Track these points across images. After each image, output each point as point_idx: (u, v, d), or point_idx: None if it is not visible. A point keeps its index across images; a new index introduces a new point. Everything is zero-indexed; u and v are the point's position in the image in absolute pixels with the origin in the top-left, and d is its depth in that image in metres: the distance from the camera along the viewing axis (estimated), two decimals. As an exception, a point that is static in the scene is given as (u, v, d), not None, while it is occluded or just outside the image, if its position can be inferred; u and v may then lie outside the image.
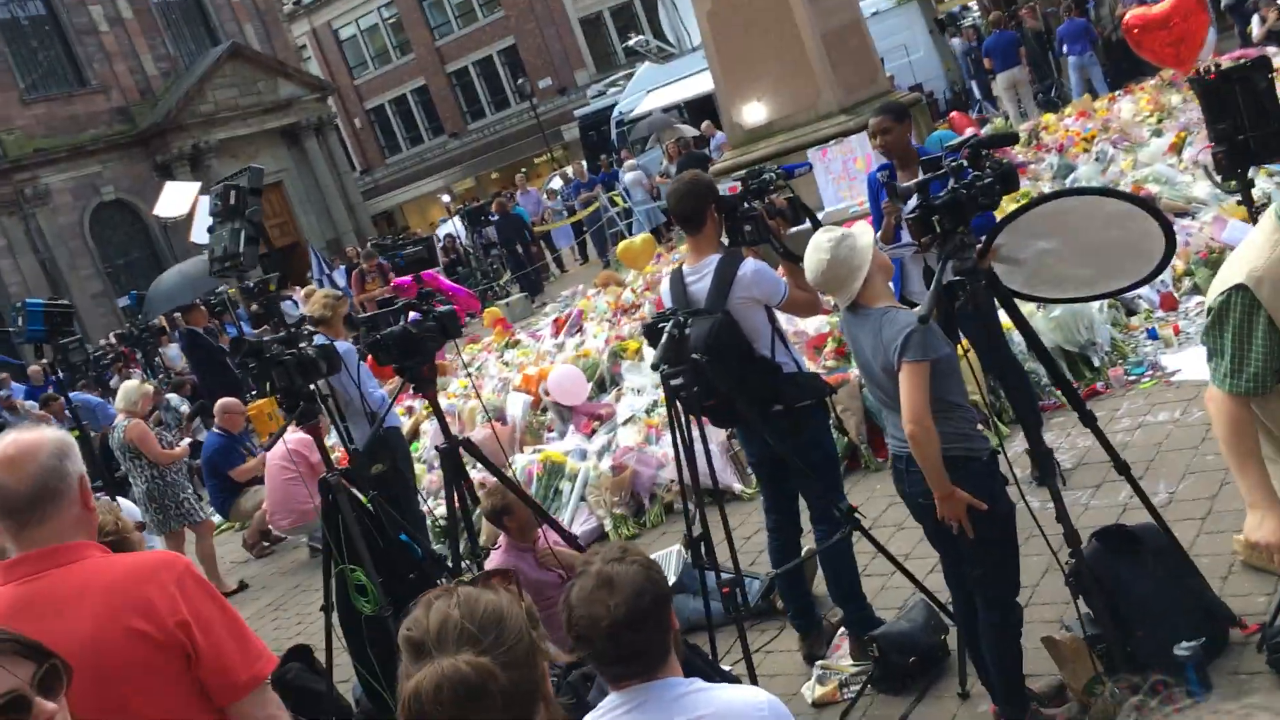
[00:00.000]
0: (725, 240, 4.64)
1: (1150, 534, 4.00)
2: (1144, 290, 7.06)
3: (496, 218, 19.01)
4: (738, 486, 6.91)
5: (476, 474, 5.67)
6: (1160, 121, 11.11)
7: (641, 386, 9.16)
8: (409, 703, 1.69)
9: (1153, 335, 6.71)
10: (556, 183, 24.18)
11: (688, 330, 3.99)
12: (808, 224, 4.81)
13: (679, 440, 4.15)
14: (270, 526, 8.65)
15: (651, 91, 22.60)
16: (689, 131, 20.13)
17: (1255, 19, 15.02)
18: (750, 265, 4.45)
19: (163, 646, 2.32)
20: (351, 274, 16.97)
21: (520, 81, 41.91)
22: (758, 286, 4.43)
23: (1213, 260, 6.84)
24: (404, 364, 4.02)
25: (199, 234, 16.33)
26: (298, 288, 21.17)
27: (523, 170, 42.98)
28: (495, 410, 9.27)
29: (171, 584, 2.40)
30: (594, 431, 8.35)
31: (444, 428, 4.24)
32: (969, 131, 9.97)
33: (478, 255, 20.09)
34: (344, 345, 6.98)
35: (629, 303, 12.59)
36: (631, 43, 28.72)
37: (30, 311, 6.08)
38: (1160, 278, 7.10)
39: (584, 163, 22.75)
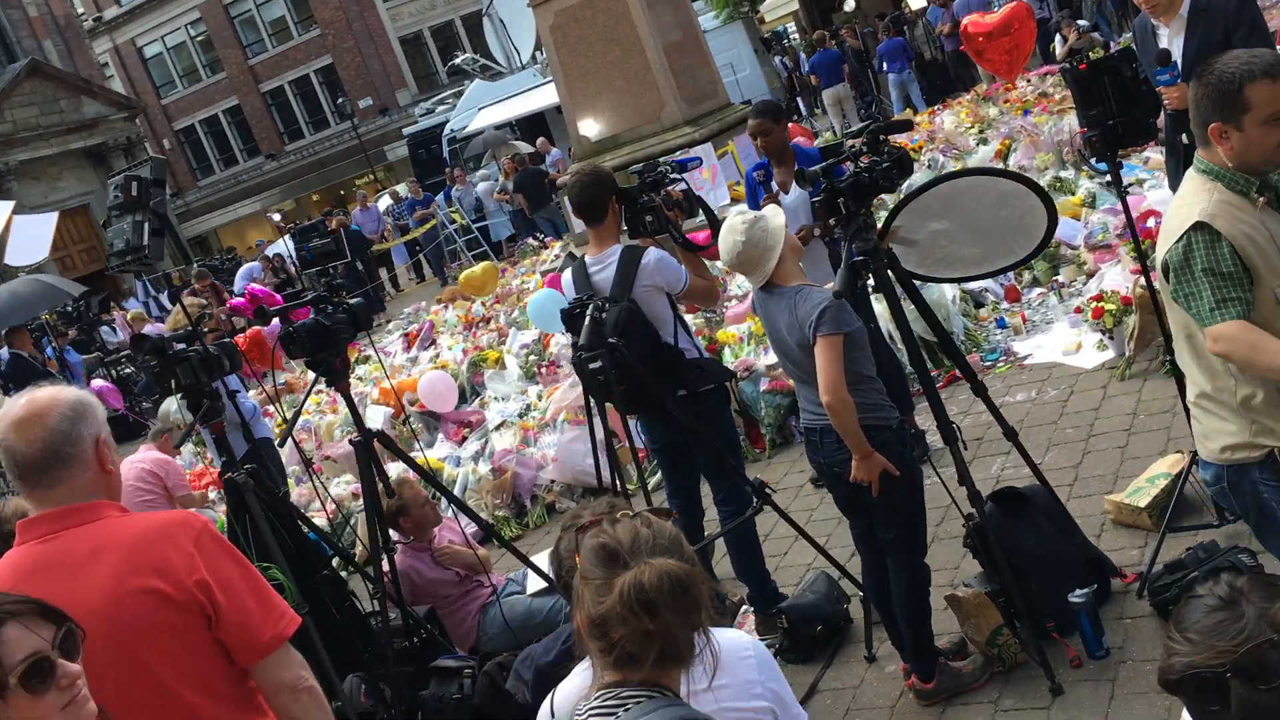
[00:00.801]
0: (625, 231, 4.75)
1: (1038, 495, 4.30)
2: (990, 284, 7.53)
3: (329, 237, 18.62)
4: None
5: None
6: (982, 131, 11.78)
7: (506, 394, 9.18)
8: (629, 593, 1.88)
9: (1001, 324, 7.15)
10: (385, 201, 23.83)
11: (604, 315, 4.07)
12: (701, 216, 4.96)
13: (594, 427, 4.22)
14: None
15: (484, 109, 22.57)
16: (524, 148, 20.21)
17: (1058, 38, 16.08)
18: (654, 254, 4.57)
19: (181, 607, 2.27)
20: (182, 294, 16.33)
21: (340, 101, 41.17)
22: (661, 274, 4.55)
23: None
24: (316, 356, 3.97)
25: (14, 255, 15.52)
26: (117, 313, 20.26)
27: (342, 192, 42.38)
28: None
29: (189, 543, 2.36)
30: (464, 439, 8.32)
31: (358, 421, 4.20)
32: (801, 140, 10.40)
33: (309, 275, 19.63)
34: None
35: (479, 315, 12.58)
36: (458, 60, 28.61)
37: None
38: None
39: (415, 181, 22.48)
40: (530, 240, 16.55)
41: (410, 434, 8.06)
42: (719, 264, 5.35)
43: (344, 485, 7.98)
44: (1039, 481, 4.36)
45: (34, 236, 14.99)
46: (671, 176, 4.79)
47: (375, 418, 9.50)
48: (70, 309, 15.68)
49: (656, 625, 1.89)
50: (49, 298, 14.87)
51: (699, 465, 4.85)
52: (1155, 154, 9.05)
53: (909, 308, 4.19)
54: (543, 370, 9.13)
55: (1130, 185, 4.17)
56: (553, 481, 7.19)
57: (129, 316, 16.09)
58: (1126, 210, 4.04)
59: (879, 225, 4.10)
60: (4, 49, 30.84)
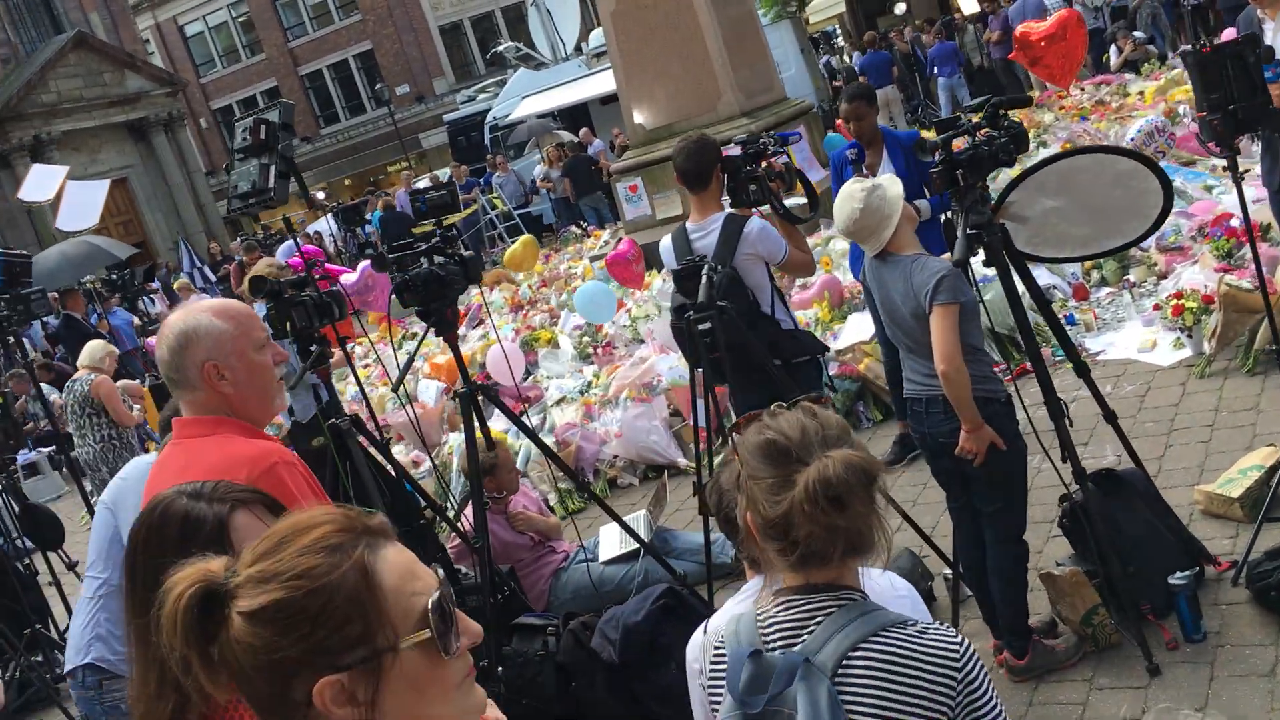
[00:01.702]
0: (727, 201, 4.77)
1: (1135, 478, 4.30)
2: (1057, 280, 7.52)
3: (381, 214, 18.71)
4: (682, 461, 7.03)
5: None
6: (1040, 135, 11.75)
7: (560, 373, 9.22)
8: (815, 488, 1.82)
9: (1071, 320, 7.12)
10: (424, 184, 23.92)
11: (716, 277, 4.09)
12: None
13: (697, 388, 4.25)
14: None
15: (527, 98, 22.62)
16: (568, 137, 20.25)
17: (1113, 49, 16.05)
18: (756, 223, 4.59)
19: None
20: (231, 266, 16.49)
21: (377, 87, 41.27)
22: (762, 244, 4.58)
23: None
24: (428, 306, 4.00)
25: (65, 220, 15.65)
26: (155, 283, 20.39)
27: (377, 178, 42.48)
28: (405, 398, 9.17)
29: (250, 477, 2.34)
30: (523, 413, 8.34)
31: (464, 373, 4.23)
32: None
33: (351, 254, 19.73)
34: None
35: (526, 298, 12.63)
36: (500, 49, 28.62)
37: None
38: (1072, 269, 7.60)
39: (458, 165, 22.54)
40: (573, 228, 16.59)
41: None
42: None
43: (399, 453, 8.02)
44: (1135, 464, 4.36)
45: (85, 202, 15.11)
46: (773, 149, 4.81)
47: (428, 392, 9.57)
48: (116, 277, 15.78)
49: (845, 519, 1.84)
50: (98, 259, 15.01)
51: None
52: (1221, 161, 9.03)
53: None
54: (598, 351, 9.17)
55: (1244, 172, 4.15)
56: (615, 457, 7.21)
57: (176, 285, 16.22)
58: (1241, 197, 4.03)
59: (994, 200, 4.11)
60: (51, 20, 31.07)
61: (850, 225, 3.88)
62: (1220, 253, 6.30)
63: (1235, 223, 6.52)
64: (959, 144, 3.90)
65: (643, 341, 8.79)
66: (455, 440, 7.63)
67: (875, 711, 1.80)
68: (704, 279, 3.97)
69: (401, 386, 4.70)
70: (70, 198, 15.05)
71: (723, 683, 1.95)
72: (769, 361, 4.30)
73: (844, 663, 1.82)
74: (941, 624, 1.89)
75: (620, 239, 12.82)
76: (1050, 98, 14.32)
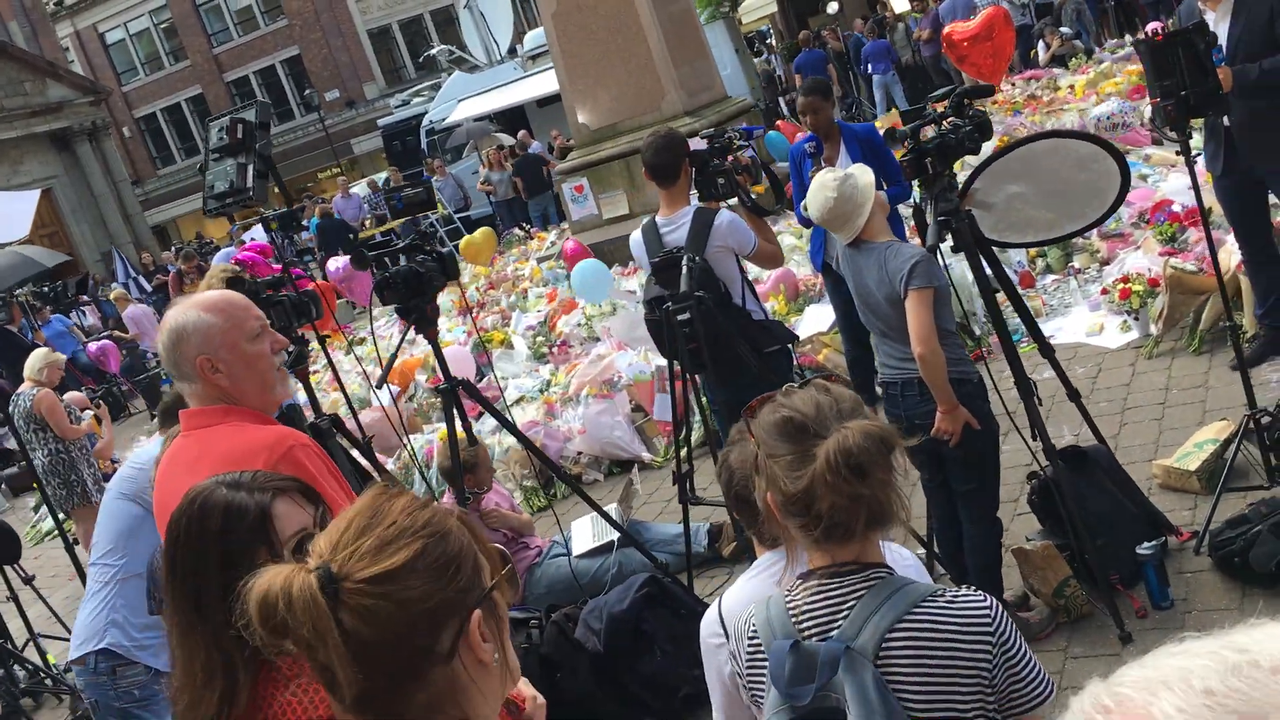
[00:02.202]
0: (695, 195, 4.85)
1: (1099, 454, 4.45)
2: (1007, 270, 7.70)
3: (319, 221, 18.53)
4: (646, 455, 7.09)
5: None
6: (977, 129, 12.00)
7: (515, 373, 9.24)
8: (837, 459, 1.85)
9: (1020, 307, 7.31)
10: (361, 189, 23.73)
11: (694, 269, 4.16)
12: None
13: (676, 380, 4.31)
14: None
15: (463, 101, 22.52)
16: (507, 140, 20.22)
17: (1040, 44, 16.42)
18: (726, 216, 4.67)
19: None
20: (170, 275, 16.23)
21: (306, 93, 40.79)
22: (732, 236, 4.66)
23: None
24: (408, 303, 4.02)
25: (-7, 230, 15.32)
26: (84, 296, 20.00)
27: (308, 185, 41.98)
28: (361, 401, 9.14)
29: (269, 464, 2.38)
30: (480, 414, 8.35)
31: (443, 368, 4.25)
32: (799, 136, 10.54)
33: (289, 260, 19.49)
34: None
35: (474, 301, 12.62)
36: (433, 52, 28.52)
37: None
38: (1018, 258, 7.78)
39: (397, 170, 22.39)
40: (516, 230, 16.58)
41: (430, 407, 8.09)
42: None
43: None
44: (1098, 440, 4.51)
45: (15, 213, 14.82)
46: (739, 143, 4.89)
47: (384, 395, 9.54)
48: (47, 289, 15.48)
49: (867, 487, 1.87)
50: (25, 269, 14.70)
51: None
52: (1157, 150, 9.31)
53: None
54: (554, 350, 9.21)
55: (1197, 155, 4.32)
56: (580, 453, 7.25)
57: (112, 295, 15.93)
58: (1194, 176, 4.18)
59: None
60: (-32, 29, 30.32)
61: (824, 214, 3.97)
62: (1164, 237, 6.52)
63: (1177, 208, 6.73)
64: (926, 133, 4.01)
65: (598, 339, 8.84)
66: (419, 441, 7.62)
67: (920, 687, 1.84)
68: (684, 269, 4.04)
69: (385, 384, 4.70)
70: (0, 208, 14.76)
71: (764, 674, 1.97)
72: (746, 350, 4.38)
73: (884, 645, 1.85)
74: (966, 587, 1.95)
75: (566, 239, 12.88)
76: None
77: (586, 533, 5.75)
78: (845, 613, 1.90)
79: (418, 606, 1.30)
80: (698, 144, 4.96)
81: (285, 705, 1.80)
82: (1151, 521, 4.36)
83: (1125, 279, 6.35)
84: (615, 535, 5.64)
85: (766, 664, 1.95)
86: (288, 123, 43.72)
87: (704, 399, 4.91)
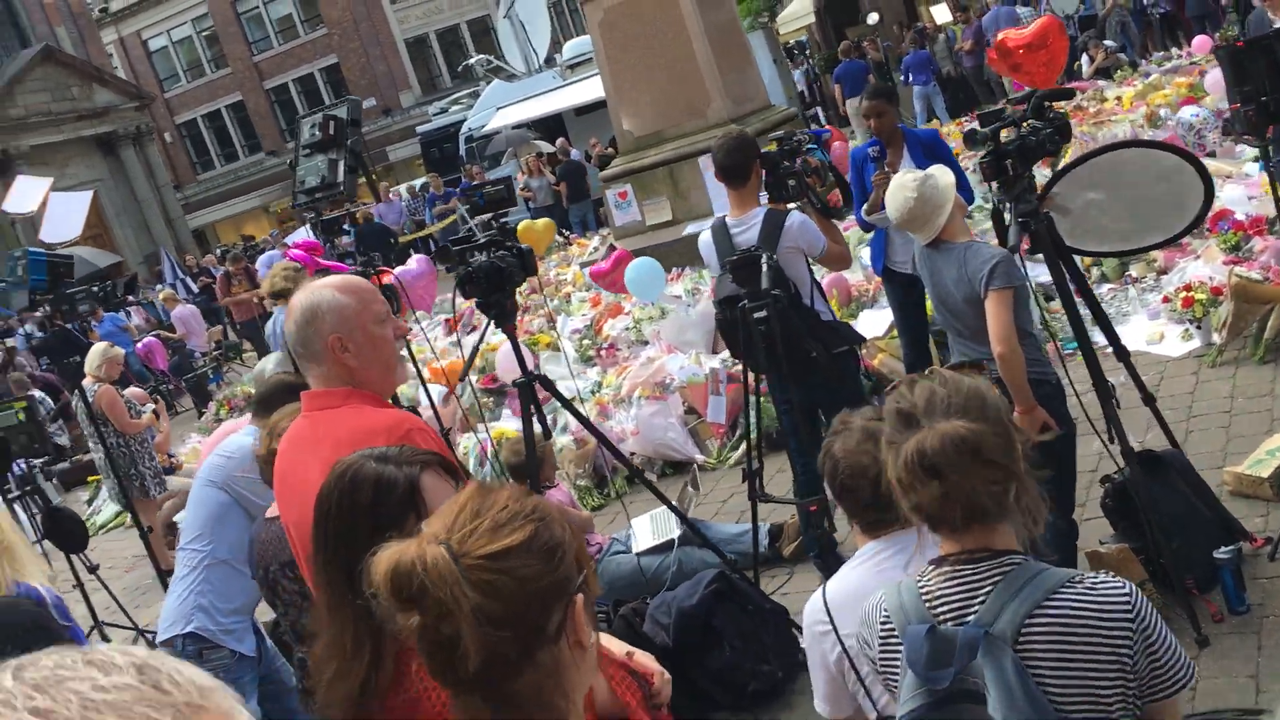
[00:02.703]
0: (765, 196, 4.88)
1: (1174, 458, 4.44)
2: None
3: (356, 228, 18.64)
4: (700, 457, 7.12)
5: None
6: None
7: (562, 376, 9.29)
8: (912, 458, 1.87)
9: (1076, 316, 7.29)
10: (401, 195, 23.91)
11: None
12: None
13: (747, 377, 4.34)
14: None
15: (501, 109, 22.68)
16: (546, 147, 20.32)
17: (1084, 58, 16.36)
18: (797, 217, 4.70)
19: None
20: (218, 277, 16.42)
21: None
22: (803, 237, 4.68)
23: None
24: (489, 298, 4.07)
25: (49, 232, 15.52)
26: (130, 297, 20.23)
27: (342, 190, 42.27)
28: (410, 401, 9.21)
29: (399, 436, 2.39)
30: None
31: (521, 363, 4.30)
32: (837, 146, 10.55)
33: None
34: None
35: (519, 304, 12.69)
36: (471, 62, 28.72)
37: (33, 261, 5.76)
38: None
39: (437, 175, 22.54)
40: (556, 236, 16.65)
41: (483, 406, 8.15)
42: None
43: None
44: (1171, 445, 4.50)
45: (68, 214, 15.04)
46: (808, 145, 4.92)
47: (434, 394, 9.61)
48: (98, 289, 15.66)
49: (947, 487, 1.88)
50: (79, 268, 14.89)
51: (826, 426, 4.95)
52: (1212, 162, 9.26)
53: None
54: (601, 353, 9.25)
55: (1277, 161, 4.31)
56: (633, 454, 7.28)
57: (161, 296, 16.12)
58: (1274, 183, 4.18)
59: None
60: (17, 34, 30.77)
61: (904, 214, 4.00)
62: (1227, 246, 6.49)
63: (1241, 216, 6.70)
64: (1006, 134, 4.03)
65: (647, 343, 8.87)
66: (470, 440, 7.67)
67: (1060, 673, 1.84)
68: (764, 267, 4.07)
69: (467, 378, 4.76)
70: (54, 209, 14.97)
71: (897, 658, 1.98)
72: (819, 350, 4.40)
73: (1023, 630, 1.85)
74: (1104, 573, 1.96)
75: (609, 245, 12.93)
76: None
77: (646, 530, 5.78)
78: (981, 598, 1.90)
79: (532, 585, 1.36)
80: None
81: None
82: (1225, 526, 4.34)
83: (1188, 287, 6.32)
84: (675, 534, 5.67)
85: (900, 648, 1.96)
86: (325, 130, 44.05)
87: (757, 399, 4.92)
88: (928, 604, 1.96)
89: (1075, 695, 1.86)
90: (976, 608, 1.90)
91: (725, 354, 7.91)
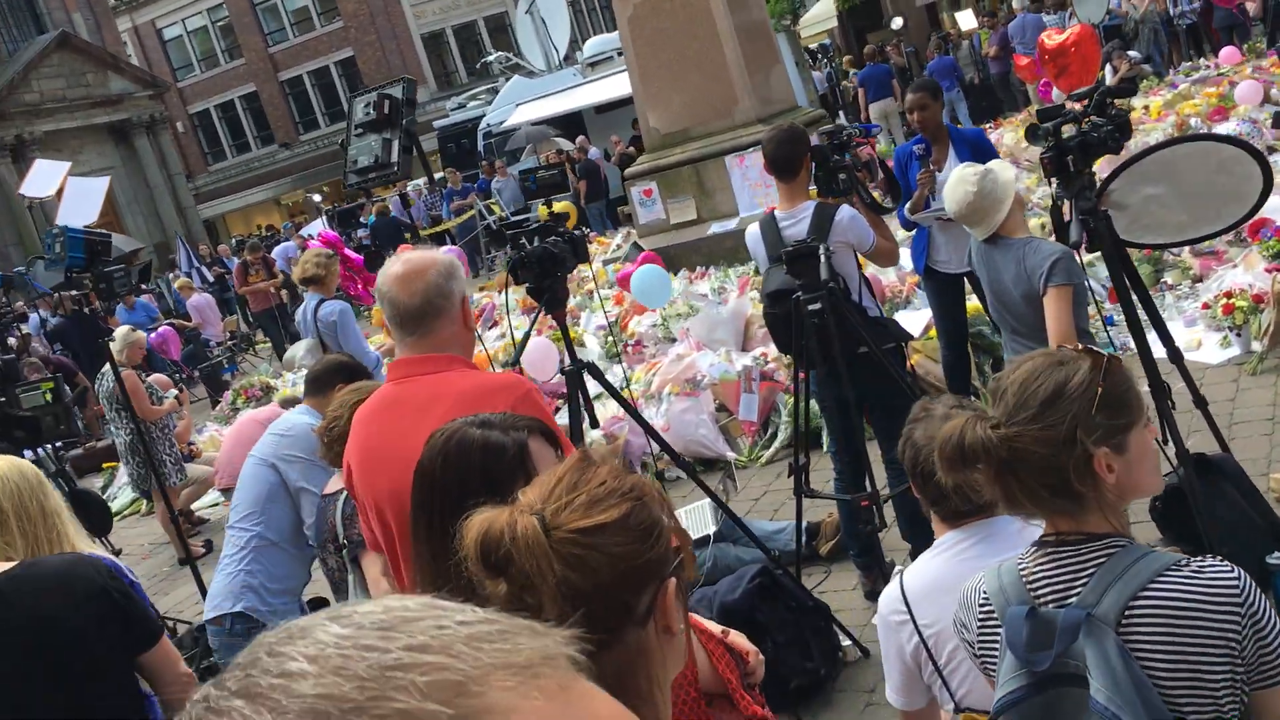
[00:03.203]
0: (814, 190, 4.84)
1: (1225, 462, 4.39)
2: (1092, 284, 7.64)
3: (375, 219, 18.68)
4: (731, 455, 7.08)
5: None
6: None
7: (587, 372, 9.26)
8: (945, 440, 1.91)
9: (1110, 321, 7.24)
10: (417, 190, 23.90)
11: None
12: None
13: (799, 369, 4.30)
14: (216, 484, 8.54)
15: (521, 105, 22.66)
16: (566, 145, 20.30)
17: (1108, 68, 16.31)
18: (847, 211, 4.65)
19: None
20: (235, 266, 16.40)
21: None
22: (852, 231, 4.64)
23: None
24: (540, 283, 4.03)
25: (66, 216, 15.48)
26: (144, 285, 20.22)
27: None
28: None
29: (506, 405, 2.38)
30: (557, 409, 8.37)
31: (571, 350, 4.26)
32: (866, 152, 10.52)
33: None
34: (339, 304, 6.85)
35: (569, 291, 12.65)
36: (490, 58, 28.71)
37: (71, 238, 5.72)
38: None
39: (455, 171, 22.51)
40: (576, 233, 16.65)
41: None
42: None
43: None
44: (1221, 449, 4.46)
45: (86, 199, 14.96)
46: (858, 140, 4.88)
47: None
48: (76, 294, 15.67)
49: (977, 475, 1.90)
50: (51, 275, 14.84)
51: (869, 423, 4.91)
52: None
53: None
54: (629, 349, 9.22)
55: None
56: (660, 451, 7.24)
57: (177, 285, 16.10)
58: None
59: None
60: (34, 19, 30.80)
61: (963, 209, 3.96)
62: (1271, 253, 6.44)
63: (1282, 224, 6.66)
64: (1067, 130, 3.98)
65: (674, 340, 8.84)
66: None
67: (1165, 658, 1.80)
68: (823, 258, 4.03)
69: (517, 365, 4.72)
70: (71, 194, 14.92)
71: (995, 641, 1.95)
72: (872, 344, 4.36)
73: (1126, 613, 1.82)
74: (1211, 557, 1.92)
75: (633, 244, 12.90)
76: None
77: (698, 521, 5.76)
78: (1084, 580, 1.87)
79: (623, 564, 1.34)
80: (815, 139, 4.95)
81: None
82: (1275, 534, 4.29)
83: (1229, 294, 6.27)
84: (710, 529, 5.64)
85: (999, 630, 1.93)
86: (339, 123, 44.02)
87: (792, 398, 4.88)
88: (1029, 586, 1.93)
89: (1181, 680, 1.82)
90: (1079, 590, 1.87)
91: (756, 352, 7.89)
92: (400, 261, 2.65)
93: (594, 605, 1.30)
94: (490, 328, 11.93)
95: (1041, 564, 1.94)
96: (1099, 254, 4.13)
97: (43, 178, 15.26)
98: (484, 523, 1.36)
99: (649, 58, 12.32)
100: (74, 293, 13.98)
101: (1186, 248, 7.63)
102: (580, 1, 42.81)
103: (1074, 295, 3.81)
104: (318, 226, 19.96)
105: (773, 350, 7.79)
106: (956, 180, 3.96)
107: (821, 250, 4.04)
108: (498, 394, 2.42)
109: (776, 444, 7.01)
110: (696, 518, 5.85)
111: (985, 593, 2.00)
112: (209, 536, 8.73)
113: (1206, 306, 6.51)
